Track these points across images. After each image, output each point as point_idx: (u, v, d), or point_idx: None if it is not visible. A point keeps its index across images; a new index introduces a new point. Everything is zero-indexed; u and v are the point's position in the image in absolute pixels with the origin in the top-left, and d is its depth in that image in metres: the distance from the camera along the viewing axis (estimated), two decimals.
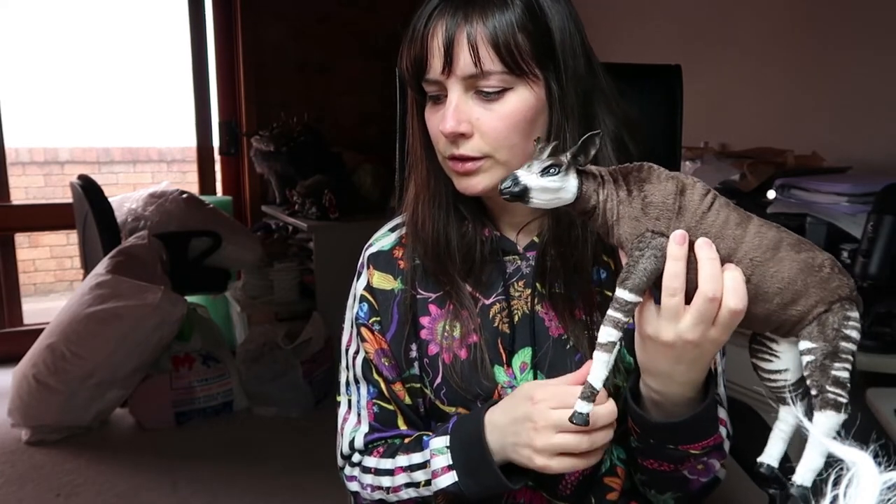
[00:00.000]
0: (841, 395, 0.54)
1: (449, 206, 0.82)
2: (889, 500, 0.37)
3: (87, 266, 2.90)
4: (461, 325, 0.82)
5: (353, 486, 0.87)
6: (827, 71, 2.01)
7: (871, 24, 1.88)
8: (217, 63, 3.60)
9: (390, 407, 0.86)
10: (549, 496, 0.83)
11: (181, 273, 2.86)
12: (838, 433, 0.54)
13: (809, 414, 0.55)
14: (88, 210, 2.69)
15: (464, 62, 0.72)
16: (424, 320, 0.85)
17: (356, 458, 0.87)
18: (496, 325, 0.82)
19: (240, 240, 3.08)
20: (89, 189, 2.68)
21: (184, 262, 2.93)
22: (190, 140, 3.70)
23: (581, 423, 0.62)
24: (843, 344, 0.55)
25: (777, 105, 2.17)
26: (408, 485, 0.81)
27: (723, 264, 0.57)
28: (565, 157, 0.57)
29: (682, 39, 2.48)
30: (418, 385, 0.86)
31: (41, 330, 2.66)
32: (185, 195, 3.12)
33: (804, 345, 0.56)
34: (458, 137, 0.75)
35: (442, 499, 0.82)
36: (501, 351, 0.81)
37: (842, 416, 0.54)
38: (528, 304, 0.82)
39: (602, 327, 0.60)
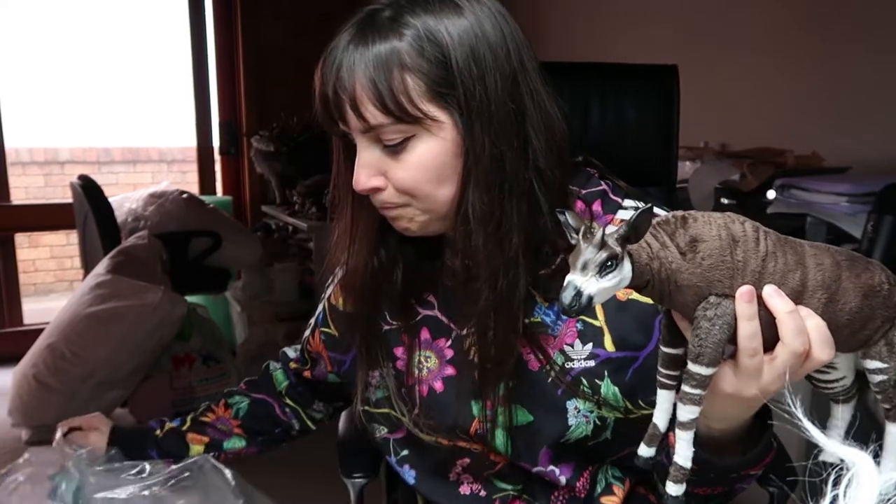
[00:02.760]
0: None
1: (401, 240, 0.79)
2: (889, 500, 0.37)
3: (87, 266, 2.90)
4: (435, 355, 0.81)
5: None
6: (827, 71, 2.01)
7: (870, 23, 1.88)
8: (217, 63, 3.60)
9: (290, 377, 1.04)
10: None
11: (181, 273, 2.86)
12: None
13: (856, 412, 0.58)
14: (88, 210, 2.69)
15: (352, 120, 0.68)
16: (398, 351, 0.83)
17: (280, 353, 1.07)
18: (471, 356, 0.76)
19: (240, 240, 3.08)
20: (89, 189, 2.67)
21: (184, 262, 2.93)
22: (190, 140, 3.70)
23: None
24: None
25: (777, 105, 2.17)
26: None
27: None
28: (615, 244, 0.50)
29: (682, 39, 2.48)
30: (383, 410, 0.86)
31: (41, 330, 2.66)
32: (185, 195, 3.12)
33: (873, 364, 0.55)
34: (374, 192, 0.71)
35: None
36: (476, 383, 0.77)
37: None
38: None
39: (680, 405, 0.55)
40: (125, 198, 3.13)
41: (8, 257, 3.36)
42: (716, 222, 0.54)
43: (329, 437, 1.10)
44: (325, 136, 0.76)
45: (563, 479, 0.80)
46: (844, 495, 0.37)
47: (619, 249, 0.50)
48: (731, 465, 0.65)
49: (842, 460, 0.40)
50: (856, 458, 0.39)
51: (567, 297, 0.49)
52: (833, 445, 0.40)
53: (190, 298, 2.71)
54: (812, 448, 0.41)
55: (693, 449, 0.56)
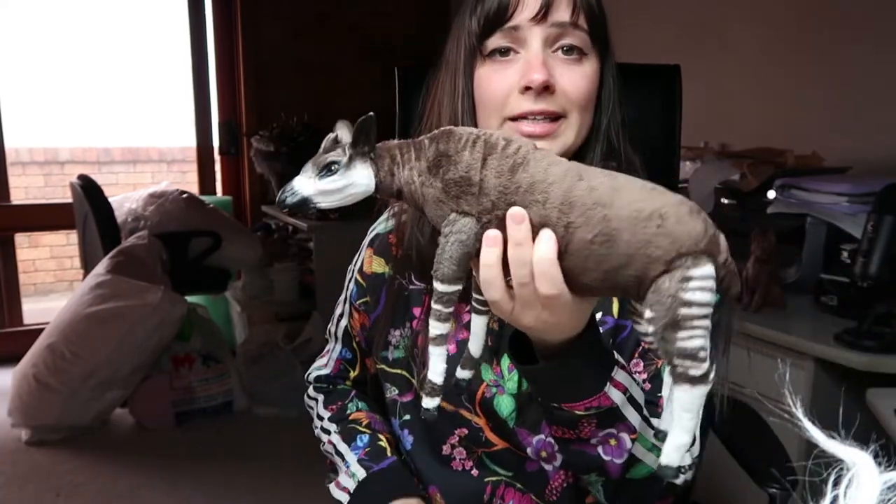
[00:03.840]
0: (693, 368, 0.47)
1: None
2: (889, 500, 0.37)
3: (87, 266, 2.90)
4: (452, 318, 0.82)
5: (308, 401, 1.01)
6: (827, 71, 2.01)
7: (871, 23, 1.88)
8: (217, 63, 3.60)
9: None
10: (537, 498, 0.83)
11: (181, 273, 2.86)
12: (837, 433, 0.53)
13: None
14: (88, 210, 2.70)
15: (563, 10, 0.72)
16: (417, 311, 0.85)
17: (309, 390, 1.00)
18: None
19: (240, 240, 3.08)
20: (89, 189, 2.68)
21: (184, 262, 2.93)
22: (190, 140, 3.70)
23: (430, 418, 0.59)
24: (684, 311, 0.46)
25: (777, 105, 2.17)
26: (322, 443, 0.94)
27: (537, 231, 0.50)
28: (343, 151, 0.53)
29: (682, 39, 2.48)
30: (398, 370, 0.87)
31: (41, 330, 2.66)
32: (185, 195, 3.12)
33: (646, 314, 0.48)
34: (543, 90, 0.72)
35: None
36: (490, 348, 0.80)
37: (701, 388, 0.47)
38: None
39: (430, 321, 0.56)
40: (125, 198, 3.13)
41: (8, 257, 3.36)
42: (470, 138, 0.53)
43: None
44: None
45: (559, 456, 0.80)
46: (845, 495, 0.37)
47: (343, 155, 0.53)
48: (531, 373, 0.64)
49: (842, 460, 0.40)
50: (856, 458, 0.39)
51: (282, 192, 0.53)
52: (833, 445, 0.40)
53: (190, 298, 2.72)
54: (812, 448, 0.41)
55: (445, 365, 0.57)
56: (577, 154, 0.79)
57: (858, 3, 1.92)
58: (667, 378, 0.53)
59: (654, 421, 0.71)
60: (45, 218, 3.53)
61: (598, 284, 0.50)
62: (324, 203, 0.53)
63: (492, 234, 0.52)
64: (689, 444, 0.50)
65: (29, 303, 3.68)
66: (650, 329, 0.48)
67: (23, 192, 4.39)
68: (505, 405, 0.80)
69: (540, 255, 0.50)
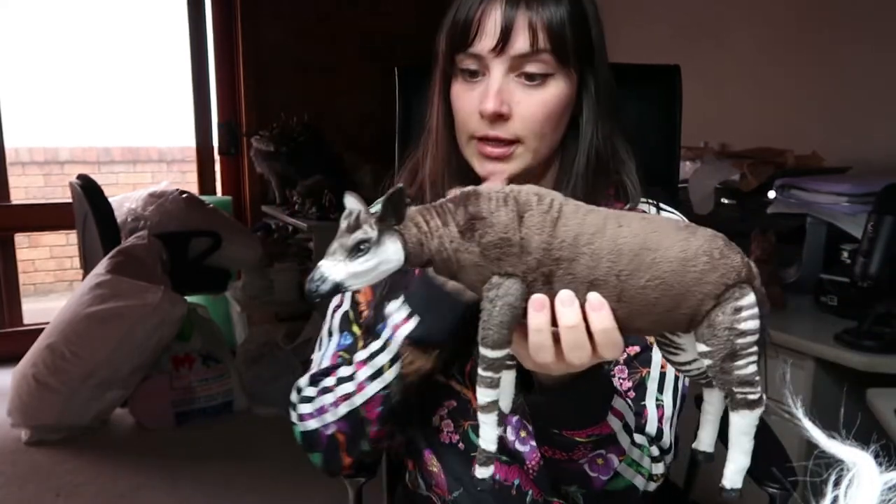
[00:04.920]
0: (751, 393, 0.50)
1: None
2: (890, 500, 0.37)
3: (87, 266, 2.89)
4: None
5: (311, 424, 0.84)
6: (827, 71, 2.01)
7: (871, 23, 1.88)
8: (217, 63, 3.59)
9: None
10: (521, 469, 0.84)
11: (181, 273, 2.86)
12: (837, 433, 0.53)
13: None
14: (88, 210, 2.69)
15: (521, 41, 0.71)
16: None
17: (307, 391, 0.85)
18: None
19: (240, 240, 3.08)
20: (89, 189, 2.67)
21: (184, 262, 2.93)
22: (190, 140, 3.70)
23: (487, 488, 0.58)
24: (740, 341, 0.49)
25: (777, 105, 2.17)
26: (372, 376, 0.77)
27: (586, 289, 0.50)
28: (371, 228, 0.49)
29: (682, 39, 2.48)
30: None
31: (41, 330, 2.66)
32: (185, 195, 3.12)
33: (700, 348, 0.50)
34: (496, 118, 0.74)
35: (413, 379, 0.78)
36: None
37: (757, 411, 0.50)
38: None
39: (478, 388, 0.53)
40: (125, 198, 3.13)
41: (8, 257, 3.35)
42: (499, 197, 0.51)
43: None
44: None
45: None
46: (845, 495, 0.37)
47: (372, 233, 0.49)
48: (541, 404, 0.65)
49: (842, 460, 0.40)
50: (856, 458, 0.39)
51: (310, 282, 0.48)
52: (833, 445, 0.40)
53: (190, 298, 2.72)
54: (812, 448, 0.41)
55: (497, 432, 0.55)
56: (561, 167, 0.81)
57: (858, 3, 1.92)
58: (712, 395, 0.55)
59: (663, 440, 0.76)
60: (44, 218, 3.53)
61: (649, 326, 0.52)
62: (356, 285, 0.50)
63: (538, 299, 0.51)
64: (748, 466, 0.52)
65: (29, 303, 3.68)
66: (707, 362, 0.50)
67: (23, 192, 4.39)
68: None
69: (602, 327, 0.50)
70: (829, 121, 2.00)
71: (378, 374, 0.77)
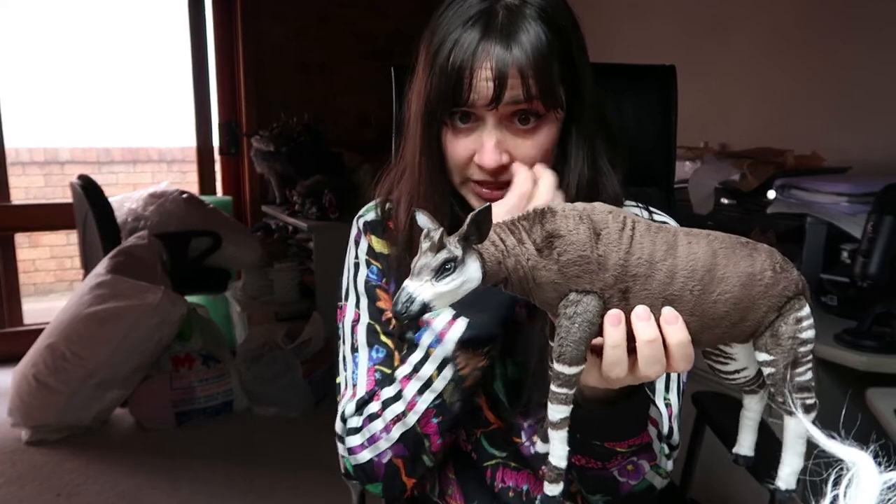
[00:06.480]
0: (808, 398, 0.52)
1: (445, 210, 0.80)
2: (889, 500, 0.37)
3: (87, 266, 2.90)
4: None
5: (364, 456, 0.79)
6: (827, 70, 2.01)
7: (870, 23, 1.88)
8: (217, 63, 3.60)
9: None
10: (532, 474, 0.84)
11: (181, 273, 2.87)
12: (837, 433, 0.54)
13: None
14: (88, 210, 2.69)
15: (514, 94, 0.70)
16: None
17: (352, 422, 0.80)
18: None
19: (240, 240, 3.08)
20: (89, 189, 2.68)
21: (184, 262, 2.93)
22: (190, 140, 3.70)
23: None
24: (802, 349, 0.52)
25: (777, 105, 2.17)
26: (421, 389, 0.75)
27: (661, 304, 0.52)
28: (456, 247, 0.49)
29: (682, 39, 2.48)
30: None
31: (41, 330, 2.66)
32: (185, 195, 3.12)
33: (762, 357, 0.52)
34: (500, 170, 0.73)
35: (471, 381, 0.76)
36: None
37: (812, 415, 0.52)
38: None
39: (549, 405, 0.54)
40: (125, 198, 3.13)
41: (8, 257, 3.36)
42: (576, 215, 0.52)
43: (329, 437, 1.10)
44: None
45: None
46: (845, 495, 0.37)
47: (458, 252, 0.49)
48: (586, 420, 0.65)
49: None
50: (856, 458, 0.39)
51: (398, 303, 0.49)
52: (833, 445, 0.40)
53: (190, 298, 2.72)
54: (812, 448, 0.41)
55: (568, 449, 0.55)
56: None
57: (858, 4, 1.92)
58: (752, 402, 0.58)
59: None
60: (45, 218, 3.53)
61: (716, 339, 0.54)
62: (440, 305, 0.50)
63: (614, 314, 0.52)
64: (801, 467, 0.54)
65: (29, 303, 3.68)
66: (769, 371, 0.52)
67: (23, 192, 4.39)
68: (499, 388, 0.83)
69: (677, 340, 0.52)
70: (829, 121, 2.00)
71: (427, 385, 0.75)
